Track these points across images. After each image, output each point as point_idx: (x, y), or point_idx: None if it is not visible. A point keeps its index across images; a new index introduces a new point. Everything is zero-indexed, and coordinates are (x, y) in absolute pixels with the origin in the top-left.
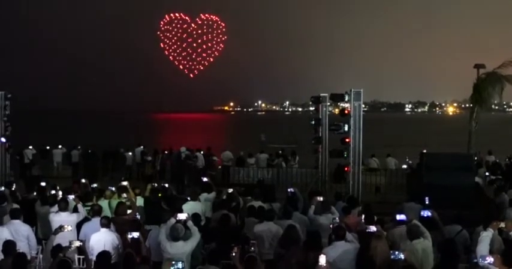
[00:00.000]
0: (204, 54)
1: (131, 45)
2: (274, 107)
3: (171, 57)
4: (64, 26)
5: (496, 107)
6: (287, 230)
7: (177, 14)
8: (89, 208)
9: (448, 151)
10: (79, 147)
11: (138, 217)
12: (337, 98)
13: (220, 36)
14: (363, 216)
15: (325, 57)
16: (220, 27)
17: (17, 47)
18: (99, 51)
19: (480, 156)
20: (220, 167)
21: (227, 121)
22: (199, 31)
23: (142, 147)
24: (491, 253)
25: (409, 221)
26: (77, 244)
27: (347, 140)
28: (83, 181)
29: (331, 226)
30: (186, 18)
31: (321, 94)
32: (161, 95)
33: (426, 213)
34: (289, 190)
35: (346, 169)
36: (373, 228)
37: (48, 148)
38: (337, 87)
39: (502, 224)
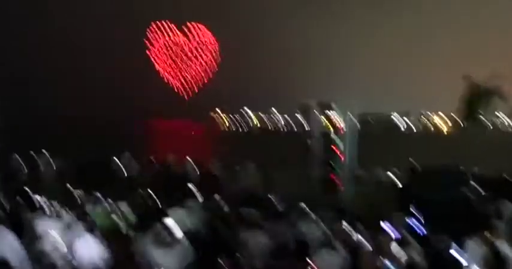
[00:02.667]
0: (191, 63)
1: (119, 52)
2: (260, 113)
3: (158, 65)
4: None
5: (485, 120)
6: (275, 239)
7: (164, 23)
8: (74, 214)
9: (437, 163)
10: (67, 154)
11: (123, 225)
12: (325, 107)
13: (208, 45)
14: (352, 226)
15: (316, 67)
16: (208, 36)
17: None
18: (88, 57)
19: (469, 169)
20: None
21: (218, 132)
22: (187, 39)
23: (128, 153)
24: (478, 264)
25: (398, 233)
26: (54, 234)
27: (337, 150)
28: (69, 187)
29: (320, 235)
30: (173, 27)
31: (309, 102)
32: (145, 103)
33: (416, 225)
34: (274, 198)
35: (336, 179)
36: (361, 238)
37: (35, 154)
38: (325, 96)
39: (490, 236)
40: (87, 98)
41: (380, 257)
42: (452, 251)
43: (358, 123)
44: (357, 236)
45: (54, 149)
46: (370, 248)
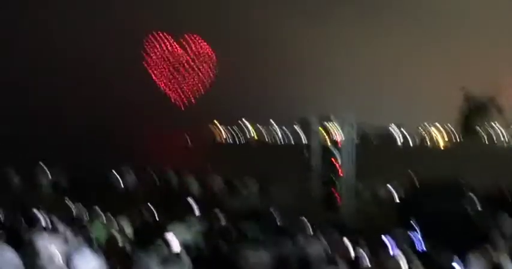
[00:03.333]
0: (187, 75)
1: (116, 63)
2: (259, 126)
3: (154, 77)
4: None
5: (484, 134)
6: (277, 258)
7: (161, 35)
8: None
9: (437, 177)
10: (66, 168)
11: (124, 241)
12: (325, 120)
13: (206, 58)
14: (354, 244)
15: (313, 80)
16: (205, 47)
17: None
18: (85, 68)
19: (469, 183)
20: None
21: (218, 146)
22: (184, 51)
23: (129, 168)
24: None
25: (400, 248)
26: (55, 250)
27: (337, 165)
28: (68, 202)
29: (323, 254)
30: (171, 39)
31: (309, 117)
32: (147, 115)
33: (418, 241)
34: (276, 216)
35: (337, 195)
36: (364, 255)
37: (34, 169)
38: (324, 109)
39: (491, 250)
40: (82, 109)
41: None
42: (453, 266)
43: (356, 136)
44: (358, 251)
45: (51, 161)
46: (370, 264)
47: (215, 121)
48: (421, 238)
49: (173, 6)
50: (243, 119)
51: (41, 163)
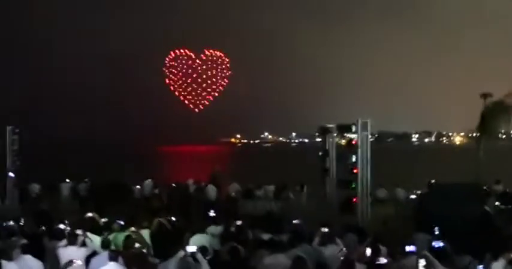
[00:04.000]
0: (209, 89)
1: (137, 79)
2: (280, 138)
3: (176, 92)
4: (69, 60)
5: (504, 136)
6: (295, 262)
7: (181, 50)
8: (98, 241)
9: (456, 180)
10: (86, 180)
11: (145, 250)
12: (344, 128)
13: (225, 71)
14: (372, 247)
15: (332, 88)
16: (225, 62)
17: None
18: (105, 85)
19: (489, 185)
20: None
21: (233, 153)
22: (204, 67)
23: (150, 180)
24: None
25: (418, 252)
26: (79, 262)
27: (355, 170)
28: (91, 214)
29: (341, 257)
30: (191, 54)
31: (328, 125)
32: (167, 128)
33: (438, 244)
34: (294, 221)
35: (354, 199)
36: (382, 260)
37: (56, 181)
38: (342, 117)
39: None
40: (108, 125)
41: None
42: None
43: (376, 143)
44: (379, 258)
45: (76, 175)
46: (388, 266)
47: (237, 135)
48: (443, 243)
49: (194, 22)
50: (265, 133)
51: (66, 179)
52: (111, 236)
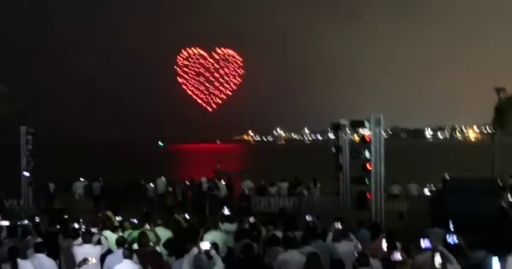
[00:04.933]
0: (222, 88)
1: (150, 79)
2: (293, 135)
3: (189, 91)
4: (84, 61)
5: None
6: (309, 259)
7: (194, 49)
8: (113, 239)
9: (471, 175)
10: (100, 179)
11: (158, 249)
12: (357, 124)
13: (237, 69)
14: (387, 243)
15: (344, 84)
16: (237, 61)
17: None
18: (120, 85)
19: (504, 180)
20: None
21: (247, 150)
22: (217, 65)
23: (163, 178)
24: None
25: (434, 247)
26: (94, 260)
27: (368, 166)
28: (106, 213)
29: (355, 253)
30: (203, 53)
31: (341, 121)
32: (180, 127)
33: (452, 239)
34: (307, 218)
35: (368, 195)
36: (397, 255)
37: (70, 180)
38: (354, 113)
39: None
40: (121, 123)
41: None
42: (491, 264)
43: (391, 138)
44: (394, 253)
45: (90, 174)
46: (407, 265)
47: (249, 132)
48: (457, 238)
49: (205, 21)
50: (278, 129)
51: (80, 178)
52: (126, 234)
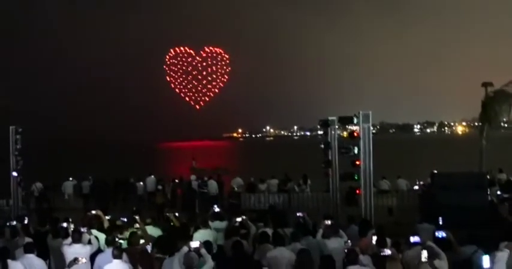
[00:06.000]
0: (209, 86)
1: (138, 77)
2: (282, 132)
3: (177, 89)
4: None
5: (506, 125)
6: (299, 255)
7: (181, 48)
8: (103, 239)
9: (459, 170)
10: (90, 178)
11: (149, 247)
12: (345, 120)
13: (225, 67)
14: (376, 239)
15: (332, 80)
16: (224, 59)
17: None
18: (105, 84)
19: (492, 174)
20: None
21: (236, 148)
22: (204, 63)
23: (153, 176)
24: None
25: (423, 242)
26: (84, 260)
27: (357, 162)
28: (95, 212)
29: (345, 250)
30: (191, 51)
31: (329, 117)
32: (168, 125)
33: (441, 234)
34: (297, 214)
35: (357, 191)
36: (387, 251)
37: (58, 180)
38: (343, 109)
39: None
40: (109, 123)
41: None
42: (481, 261)
43: (378, 133)
44: (384, 249)
45: (79, 173)
46: (392, 257)
47: (239, 130)
48: (446, 232)
49: (193, 20)
50: (267, 127)
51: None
52: (116, 234)
